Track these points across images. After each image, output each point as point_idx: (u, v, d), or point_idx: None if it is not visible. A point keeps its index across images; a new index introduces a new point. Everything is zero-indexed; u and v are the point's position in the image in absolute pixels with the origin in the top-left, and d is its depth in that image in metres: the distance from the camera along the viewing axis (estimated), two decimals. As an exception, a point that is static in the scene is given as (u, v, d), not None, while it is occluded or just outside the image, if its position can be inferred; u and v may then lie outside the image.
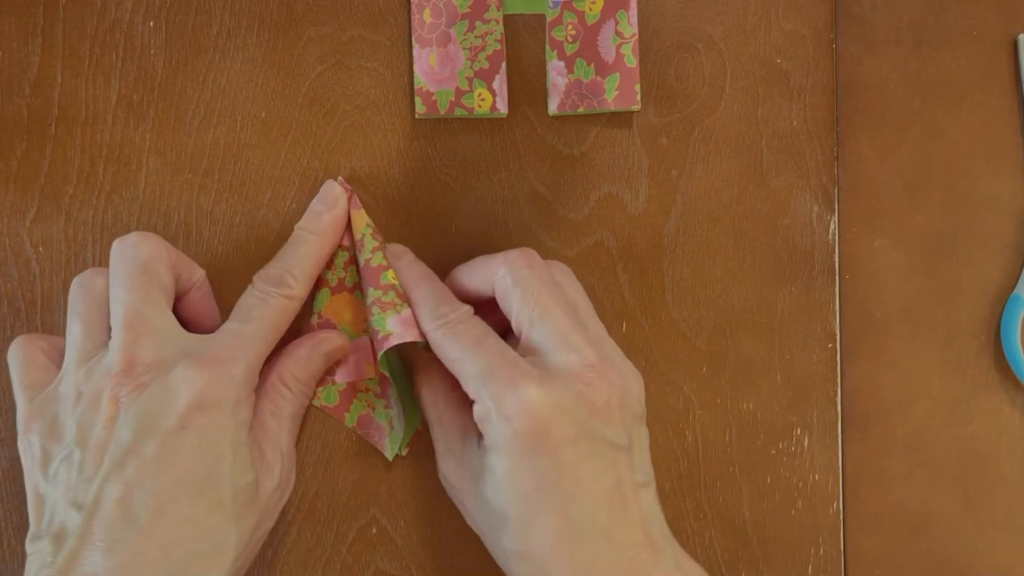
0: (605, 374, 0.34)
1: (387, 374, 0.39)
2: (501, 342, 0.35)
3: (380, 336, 0.37)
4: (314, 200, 0.40)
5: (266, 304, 0.36)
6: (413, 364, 0.40)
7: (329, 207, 0.39)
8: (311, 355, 0.38)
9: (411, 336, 0.37)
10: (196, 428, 0.33)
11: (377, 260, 0.39)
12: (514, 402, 0.33)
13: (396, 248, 0.40)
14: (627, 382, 0.35)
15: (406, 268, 0.39)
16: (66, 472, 0.34)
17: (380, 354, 0.37)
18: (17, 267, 0.41)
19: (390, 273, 0.39)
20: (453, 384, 0.37)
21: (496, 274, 0.36)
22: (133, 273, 0.35)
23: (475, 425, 0.36)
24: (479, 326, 0.36)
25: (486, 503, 0.34)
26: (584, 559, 0.32)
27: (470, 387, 0.35)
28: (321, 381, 0.40)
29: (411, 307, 0.38)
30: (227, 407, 0.33)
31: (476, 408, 0.34)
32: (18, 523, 0.41)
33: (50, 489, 0.34)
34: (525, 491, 0.33)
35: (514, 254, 0.36)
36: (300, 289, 0.37)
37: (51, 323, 0.41)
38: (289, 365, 0.38)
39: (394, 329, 0.37)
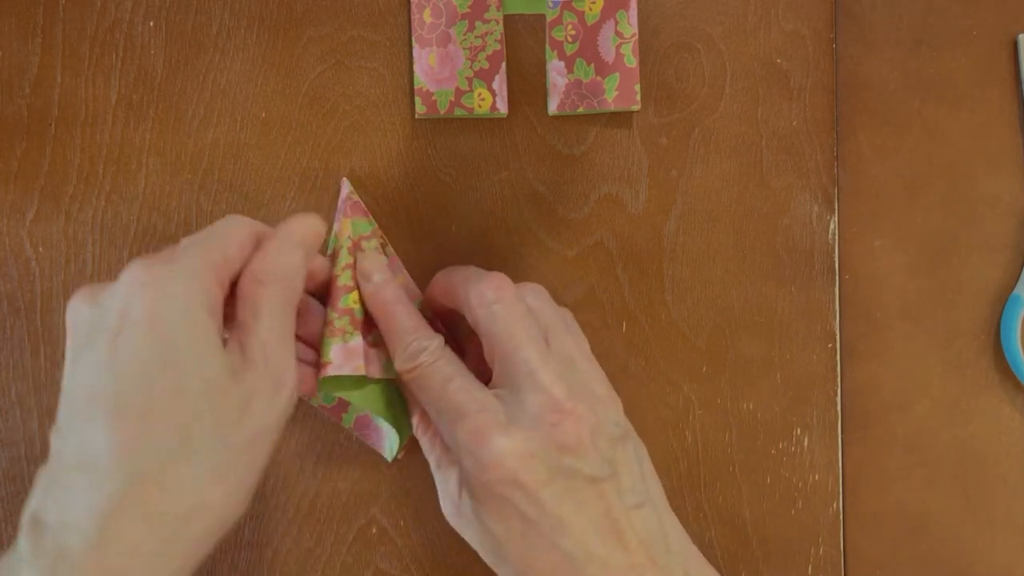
0: (571, 411, 0.34)
1: (324, 403, 0.39)
2: (470, 383, 0.35)
3: (322, 360, 0.37)
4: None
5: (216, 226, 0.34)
6: (412, 403, 0.39)
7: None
8: (281, 245, 0.34)
9: (349, 368, 0.36)
10: (143, 320, 0.30)
11: (344, 279, 0.38)
12: (483, 454, 0.33)
13: (366, 266, 0.38)
14: (599, 411, 0.34)
15: (376, 292, 0.37)
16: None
17: (320, 378, 0.37)
18: (17, 267, 0.41)
19: (352, 296, 0.37)
20: None
21: (468, 308, 0.36)
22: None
23: None
24: (449, 366, 0.35)
25: (484, 548, 0.35)
26: None
27: (444, 433, 0.35)
28: (321, 369, 0.39)
29: (384, 336, 0.37)
30: (176, 287, 0.31)
31: (455, 455, 0.35)
32: (18, 523, 0.41)
33: None
34: (513, 535, 0.33)
35: (484, 286, 0.35)
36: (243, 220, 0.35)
37: (51, 323, 0.41)
38: (258, 261, 0.34)
39: (335, 359, 0.36)
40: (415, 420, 0.39)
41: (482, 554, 0.36)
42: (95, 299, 0.32)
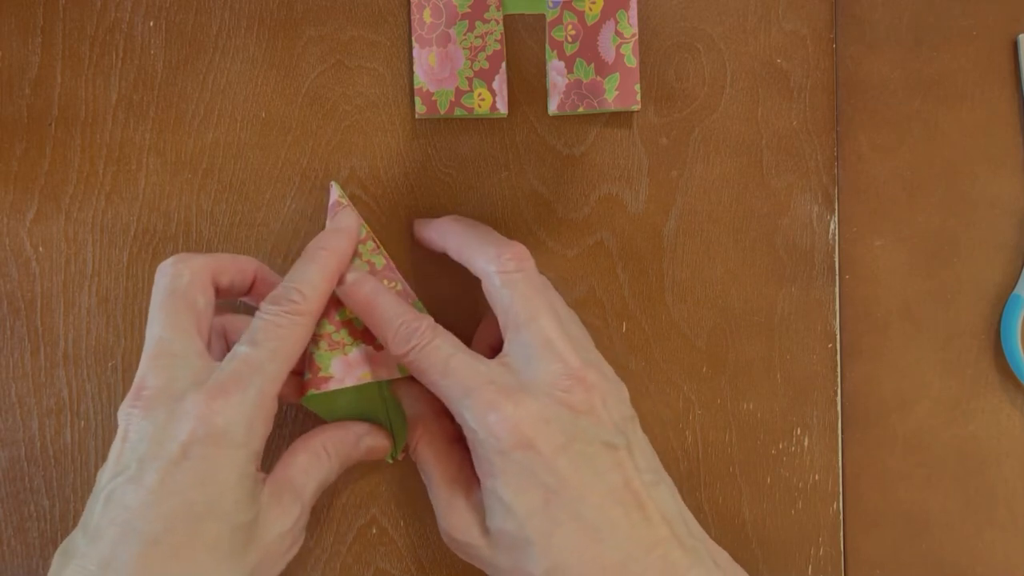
0: (583, 379, 0.34)
1: (312, 408, 0.39)
2: (471, 358, 0.35)
3: (320, 375, 0.37)
4: (328, 222, 0.39)
5: (274, 326, 0.35)
6: (410, 417, 0.39)
7: (341, 227, 0.39)
8: (357, 441, 0.38)
9: (352, 380, 0.37)
10: (199, 458, 0.32)
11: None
12: (496, 422, 0.33)
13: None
14: (610, 385, 0.35)
15: (351, 291, 0.37)
16: (93, 493, 0.33)
17: (309, 392, 0.37)
18: (17, 267, 0.41)
19: (346, 309, 0.38)
20: (448, 435, 0.38)
21: (485, 272, 0.36)
22: (163, 300, 0.35)
23: (473, 472, 0.36)
24: (447, 344, 0.35)
25: (502, 535, 0.34)
26: (615, 561, 0.32)
27: (453, 411, 0.35)
28: (315, 384, 0.39)
29: (372, 331, 0.37)
30: (235, 437, 0.32)
31: (466, 432, 0.35)
32: (18, 523, 0.41)
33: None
34: (535, 507, 0.33)
35: (506, 255, 0.36)
36: (307, 304, 0.35)
37: (51, 323, 0.41)
38: (335, 438, 0.37)
39: (335, 373, 0.37)
40: (413, 442, 0.38)
41: (496, 562, 0.35)
42: (149, 411, 0.33)
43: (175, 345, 0.34)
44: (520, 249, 0.36)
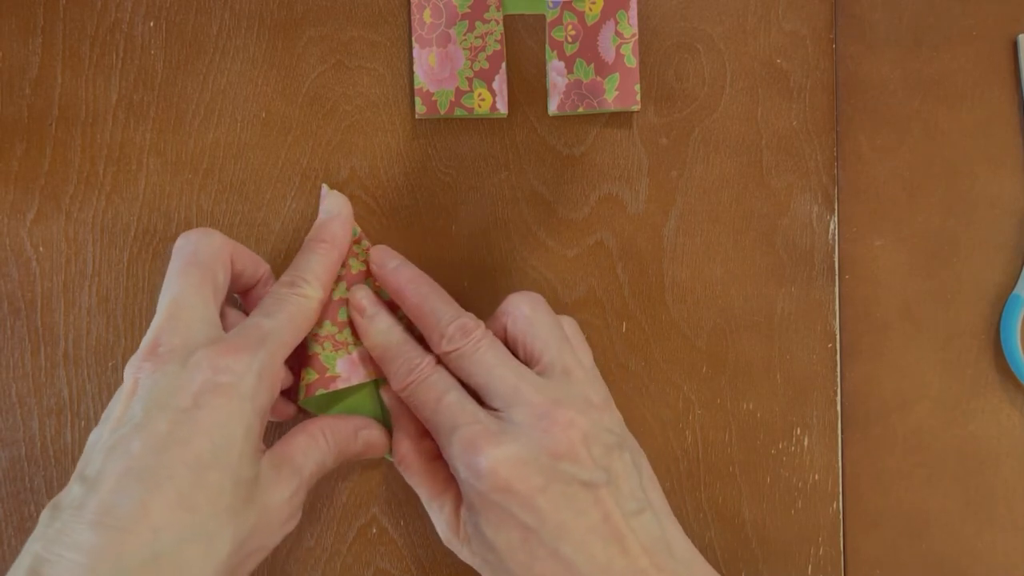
0: (559, 419, 0.34)
1: (311, 410, 0.40)
2: (463, 398, 0.36)
3: (327, 375, 0.38)
4: (320, 208, 0.40)
5: (285, 301, 0.36)
6: (396, 437, 0.40)
7: (333, 213, 0.40)
8: (355, 433, 0.38)
9: (357, 379, 0.38)
10: (210, 408, 0.32)
11: (339, 293, 0.39)
12: (477, 463, 0.33)
13: (361, 302, 0.39)
14: (592, 417, 0.35)
15: (367, 330, 0.38)
16: (87, 450, 0.34)
17: (318, 391, 0.38)
18: (17, 267, 0.41)
19: (346, 308, 0.39)
20: (433, 452, 0.38)
21: (435, 345, 0.37)
22: (186, 266, 0.36)
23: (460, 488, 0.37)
24: (441, 381, 0.36)
25: (486, 563, 0.35)
26: None
27: (440, 446, 0.36)
28: (323, 384, 0.40)
29: (378, 363, 0.38)
30: (244, 390, 0.33)
31: (451, 469, 0.35)
32: (18, 523, 0.41)
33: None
34: (514, 544, 0.33)
35: (444, 339, 0.36)
36: (313, 290, 0.37)
37: (51, 323, 0.41)
38: (333, 425, 0.38)
39: (342, 372, 0.38)
40: (399, 451, 0.39)
41: (486, 574, 0.36)
42: (162, 365, 0.33)
43: (194, 311, 0.35)
44: (460, 324, 0.36)
